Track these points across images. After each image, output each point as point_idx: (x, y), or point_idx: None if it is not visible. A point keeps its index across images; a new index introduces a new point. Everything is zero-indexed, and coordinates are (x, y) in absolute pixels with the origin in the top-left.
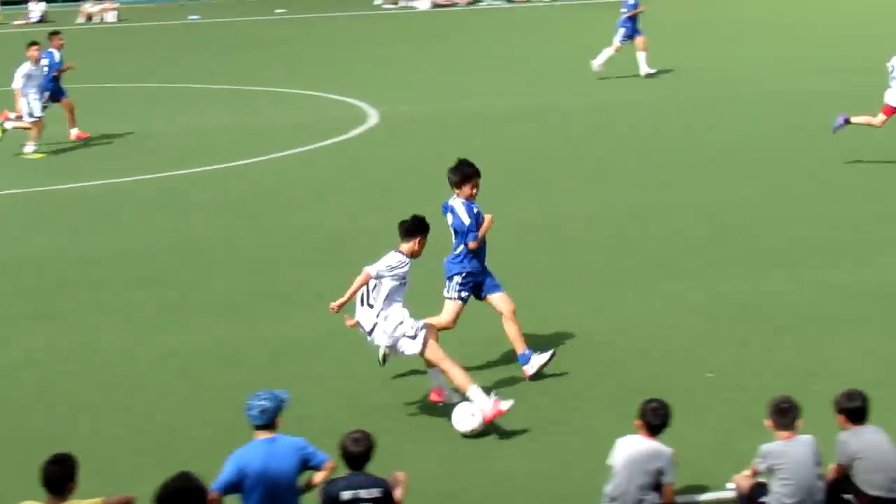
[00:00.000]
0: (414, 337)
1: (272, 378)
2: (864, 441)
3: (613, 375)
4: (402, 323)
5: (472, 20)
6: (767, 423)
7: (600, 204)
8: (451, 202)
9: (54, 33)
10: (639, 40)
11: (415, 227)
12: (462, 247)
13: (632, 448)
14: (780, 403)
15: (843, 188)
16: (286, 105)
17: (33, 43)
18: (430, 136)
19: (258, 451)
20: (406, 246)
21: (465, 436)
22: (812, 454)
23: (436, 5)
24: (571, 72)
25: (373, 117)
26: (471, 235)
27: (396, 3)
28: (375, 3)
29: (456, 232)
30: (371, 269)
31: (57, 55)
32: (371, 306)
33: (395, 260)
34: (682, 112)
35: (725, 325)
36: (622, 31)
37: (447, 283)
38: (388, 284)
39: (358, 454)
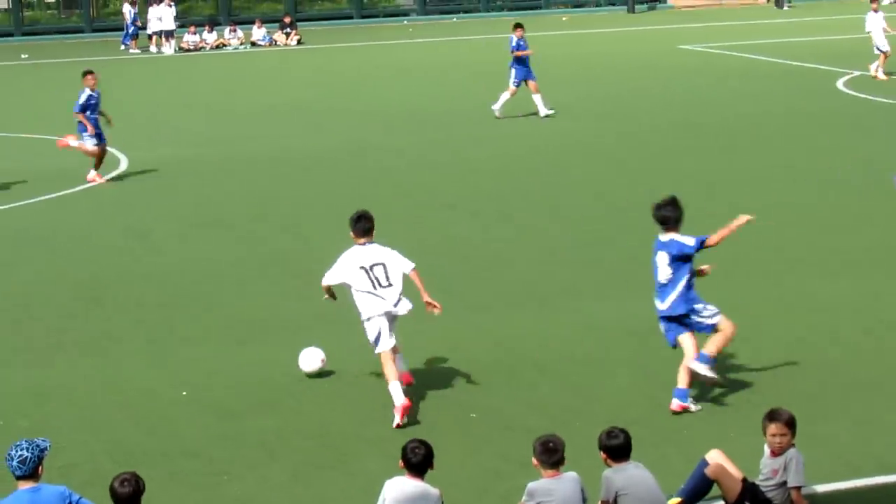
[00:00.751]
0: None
1: (34, 426)
2: (627, 477)
3: (381, 419)
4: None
5: (218, 64)
6: (534, 461)
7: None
8: (662, 238)
9: None
10: (532, 84)
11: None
12: (687, 276)
13: (399, 489)
14: (545, 442)
15: (593, 225)
16: (34, 151)
17: None
18: (183, 180)
19: (21, 502)
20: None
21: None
22: (578, 491)
23: (182, 49)
24: (312, 114)
25: (123, 162)
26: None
27: (144, 49)
28: (122, 47)
29: (679, 259)
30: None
31: None
32: (391, 285)
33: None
34: (439, 152)
35: (486, 363)
36: (513, 72)
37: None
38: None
39: (126, 496)
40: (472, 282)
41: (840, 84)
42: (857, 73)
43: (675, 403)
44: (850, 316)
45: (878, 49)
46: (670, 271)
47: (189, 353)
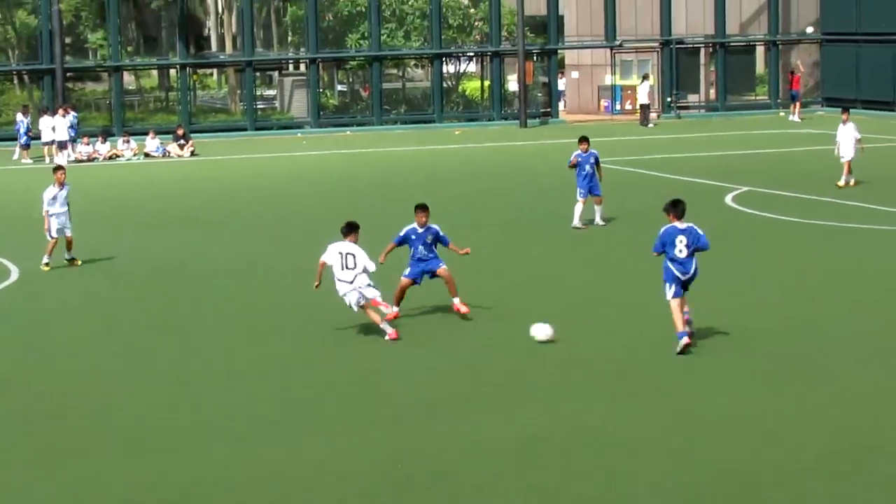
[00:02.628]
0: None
1: None
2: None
3: None
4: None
5: (111, 174)
6: None
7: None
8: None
9: None
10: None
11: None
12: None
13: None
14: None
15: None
16: None
17: None
18: (71, 291)
19: None
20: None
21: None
22: None
23: (76, 160)
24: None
25: (13, 273)
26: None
27: (38, 159)
28: (14, 157)
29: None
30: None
31: None
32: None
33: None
34: None
35: None
36: None
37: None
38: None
39: None
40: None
41: (728, 199)
42: (744, 188)
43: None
44: None
45: (843, 158)
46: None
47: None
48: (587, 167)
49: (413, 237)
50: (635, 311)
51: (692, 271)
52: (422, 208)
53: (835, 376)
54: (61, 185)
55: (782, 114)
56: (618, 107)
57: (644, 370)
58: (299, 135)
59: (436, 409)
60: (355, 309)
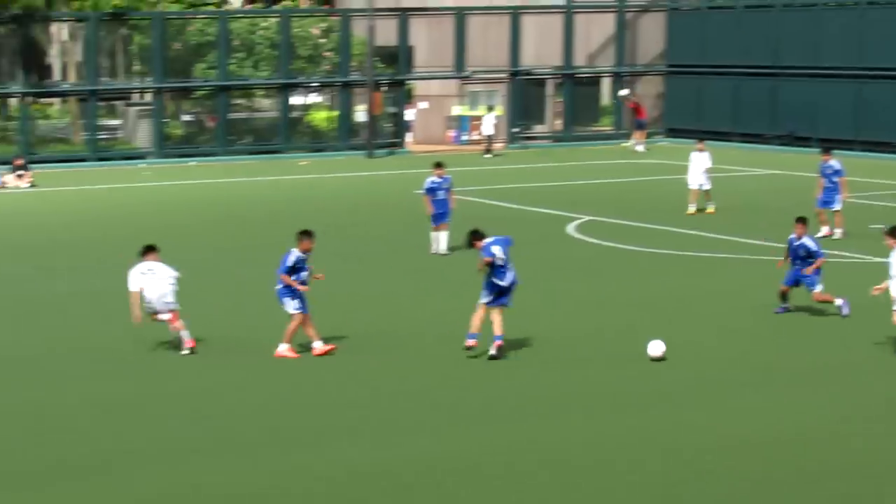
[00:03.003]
0: None
1: None
2: None
3: None
4: None
5: None
6: None
7: None
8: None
9: None
10: None
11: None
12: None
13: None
14: None
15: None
16: None
17: None
18: None
19: None
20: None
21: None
22: None
23: None
24: None
25: None
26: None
27: None
28: None
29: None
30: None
31: None
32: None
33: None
34: None
35: None
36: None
37: None
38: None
39: None
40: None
41: (570, 228)
42: (587, 217)
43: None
44: None
45: (700, 186)
46: None
47: None
48: (440, 193)
49: (301, 264)
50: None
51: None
52: (307, 234)
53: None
54: None
55: (624, 144)
56: (465, 137)
57: (479, 400)
58: (141, 165)
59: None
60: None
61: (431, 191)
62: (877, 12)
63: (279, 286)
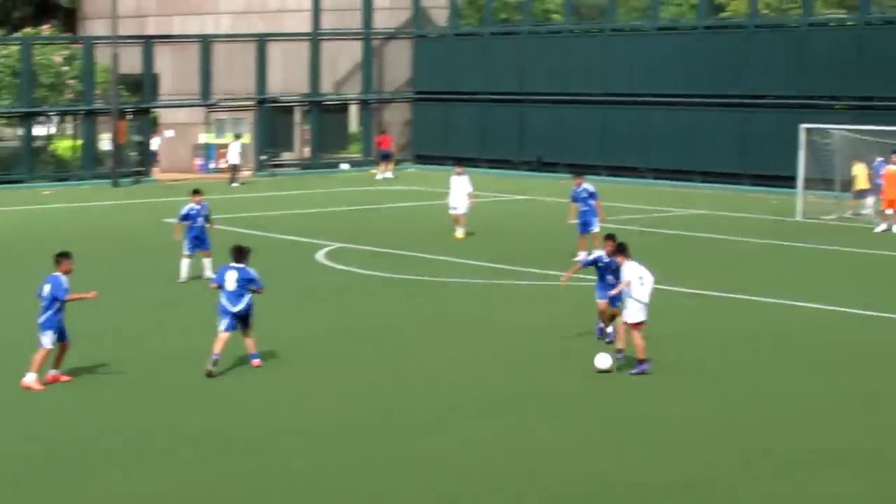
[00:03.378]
0: None
1: None
2: None
3: None
4: None
5: None
6: None
7: None
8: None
9: None
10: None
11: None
12: None
13: None
14: None
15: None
16: None
17: None
18: None
19: None
20: None
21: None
22: None
23: None
24: None
25: None
26: None
27: None
28: None
29: None
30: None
31: None
32: None
33: None
34: None
35: None
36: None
37: None
38: None
39: None
40: None
41: (320, 256)
42: (336, 244)
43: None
44: None
45: (454, 209)
46: None
47: None
48: (199, 220)
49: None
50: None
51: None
52: (65, 256)
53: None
54: None
55: (374, 171)
56: (212, 165)
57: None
58: None
59: None
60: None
61: (187, 217)
62: (619, 40)
63: (47, 315)
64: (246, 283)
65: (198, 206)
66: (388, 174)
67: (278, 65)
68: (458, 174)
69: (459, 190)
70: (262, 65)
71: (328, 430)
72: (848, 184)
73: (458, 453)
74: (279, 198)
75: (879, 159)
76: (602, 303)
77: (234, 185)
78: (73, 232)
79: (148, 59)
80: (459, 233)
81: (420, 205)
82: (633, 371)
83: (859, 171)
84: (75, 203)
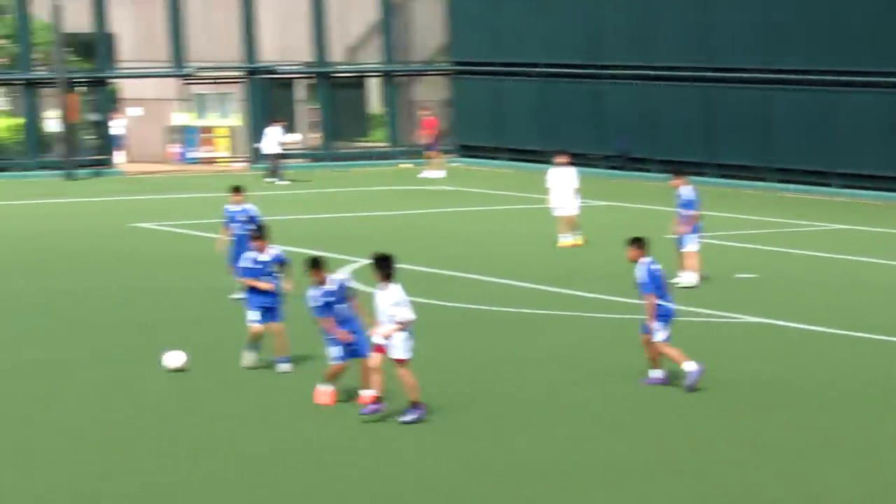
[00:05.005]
0: None
1: None
2: None
3: None
4: None
5: None
6: None
7: None
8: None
9: None
10: None
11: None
12: None
13: None
14: None
15: None
16: None
17: None
18: None
19: None
20: None
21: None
22: None
23: None
24: None
25: None
26: None
27: None
28: None
29: None
30: None
31: None
32: None
33: None
34: None
35: None
36: None
37: None
38: None
39: None
40: None
41: (344, 275)
42: (364, 261)
43: None
44: None
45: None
46: None
47: None
48: (236, 227)
49: None
50: None
51: None
52: None
53: None
54: None
55: (402, 165)
56: (192, 154)
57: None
58: None
59: None
60: None
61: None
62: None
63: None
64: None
65: (237, 209)
66: (437, 172)
67: (271, 24)
68: (561, 165)
69: (564, 184)
70: (249, 23)
71: None
72: None
73: None
74: (291, 198)
75: None
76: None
77: (280, 182)
78: (18, 240)
79: (100, 15)
80: (566, 240)
81: (476, 210)
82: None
83: None
84: (18, 200)
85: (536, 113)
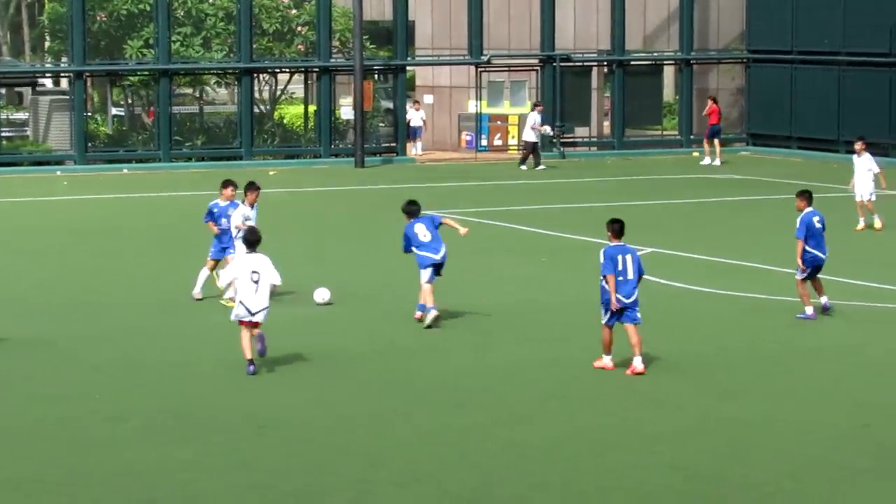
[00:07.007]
0: None
1: None
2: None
3: None
4: None
5: None
6: None
7: None
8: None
9: None
10: None
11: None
12: None
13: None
14: None
15: None
16: None
17: None
18: None
19: None
20: None
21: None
22: None
23: None
24: None
25: None
26: None
27: None
28: None
29: None
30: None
31: None
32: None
33: None
34: None
35: None
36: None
37: None
38: None
39: None
40: None
41: None
42: (647, 249)
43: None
44: None
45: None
46: None
47: None
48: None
49: None
50: None
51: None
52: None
53: None
54: None
55: (696, 154)
56: (483, 142)
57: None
58: (59, 174)
59: None
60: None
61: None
62: None
63: None
64: (436, 227)
65: (225, 204)
66: (716, 159)
67: (569, 13)
68: (859, 152)
69: (862, 171)
70: (551, 12)
71: None
72: None
73: None
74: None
75: None
76: None
77: (538, 167)
78: (303, 225)
79: (402, 3)
80: (861, 224)
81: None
82: None
83: None
84: (306, 188)
85: (830, 102)
